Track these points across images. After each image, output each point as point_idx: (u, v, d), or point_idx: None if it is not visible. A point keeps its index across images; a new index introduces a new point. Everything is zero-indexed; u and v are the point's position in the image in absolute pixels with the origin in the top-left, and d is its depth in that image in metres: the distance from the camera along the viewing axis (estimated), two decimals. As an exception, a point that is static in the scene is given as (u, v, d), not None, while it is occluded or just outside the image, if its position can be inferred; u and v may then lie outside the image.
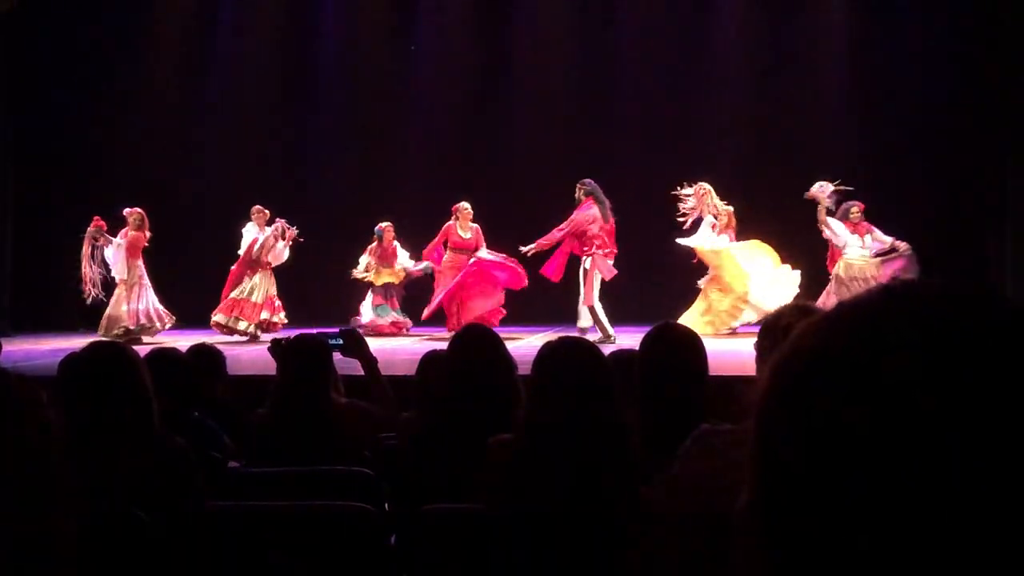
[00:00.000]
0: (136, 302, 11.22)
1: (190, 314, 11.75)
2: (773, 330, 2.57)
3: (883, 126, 12.79)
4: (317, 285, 12.59)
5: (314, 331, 4.38)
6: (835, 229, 10.90)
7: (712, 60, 13.45)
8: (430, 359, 4.35)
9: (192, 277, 12.40)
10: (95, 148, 13.51)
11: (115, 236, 11.29)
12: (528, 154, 13.44)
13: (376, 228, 12.04)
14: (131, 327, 11.12)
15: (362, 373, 4.39)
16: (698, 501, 2.69)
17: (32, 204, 13.12)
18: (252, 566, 3.16)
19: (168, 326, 11.47)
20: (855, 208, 10.97)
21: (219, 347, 5.14)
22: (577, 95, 13.69)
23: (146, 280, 11.37)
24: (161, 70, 13.80)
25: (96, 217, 11.30)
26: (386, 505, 3.58)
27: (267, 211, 11.74)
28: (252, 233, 11.68)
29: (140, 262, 11.38)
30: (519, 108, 13.73)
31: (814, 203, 10.97)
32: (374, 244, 12.05)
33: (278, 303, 11.62)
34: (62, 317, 12.92)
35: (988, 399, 0.59)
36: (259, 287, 11.47)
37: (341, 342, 4.34)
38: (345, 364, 4.39)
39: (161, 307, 11.42)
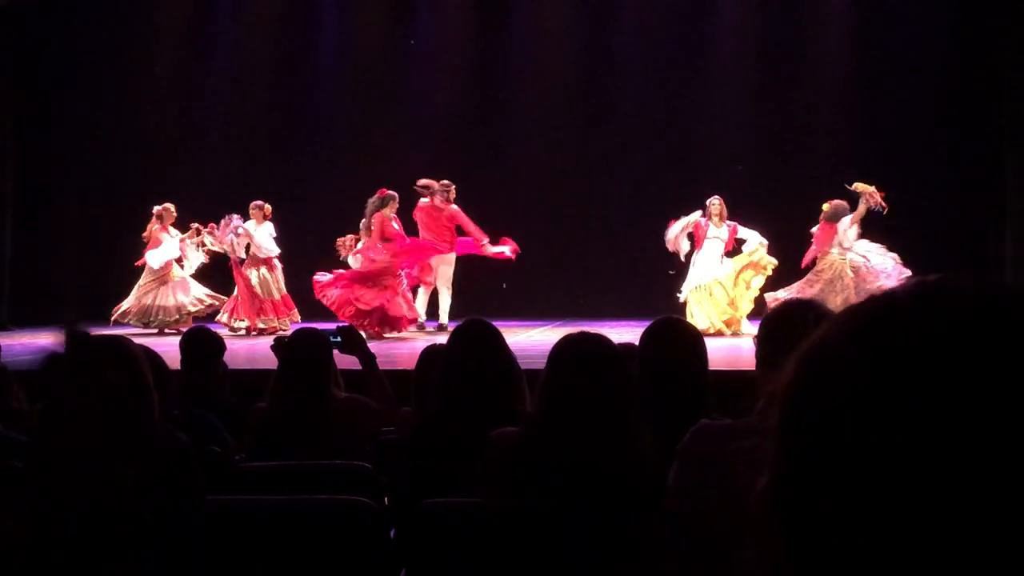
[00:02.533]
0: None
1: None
2: (775, 325, 2.57)
3: (883, 125, 12.78)
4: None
5: (316, 326, 4.43)
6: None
7: (713, 55, 13.44)
8: (430, 353, 4.35)
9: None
10: (95, 143, 13.49)
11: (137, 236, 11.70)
12: (527, 150, 13.43)
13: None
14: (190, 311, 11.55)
15: (360, 368, 4.41)
16: (699, 495, 2.69)
17: (32, 198, 13.10)
18: (252, 560, 3.15)
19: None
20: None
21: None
22: (577, 91, 13.67)
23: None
24: (161, 65, 13.77)
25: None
26: (385, 499, 3.58)
27: (267, 205, 11.69)
28: (249, 229, 11.59)
29: None
30: (518, 104, 13.71)
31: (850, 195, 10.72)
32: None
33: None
34: (61, 312, 12.89)
35: (1018, 393, 0.59)
36: (269, 283, 11.44)
37: (339, 339, 4.36)
38: (344, 359, 4.40)
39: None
